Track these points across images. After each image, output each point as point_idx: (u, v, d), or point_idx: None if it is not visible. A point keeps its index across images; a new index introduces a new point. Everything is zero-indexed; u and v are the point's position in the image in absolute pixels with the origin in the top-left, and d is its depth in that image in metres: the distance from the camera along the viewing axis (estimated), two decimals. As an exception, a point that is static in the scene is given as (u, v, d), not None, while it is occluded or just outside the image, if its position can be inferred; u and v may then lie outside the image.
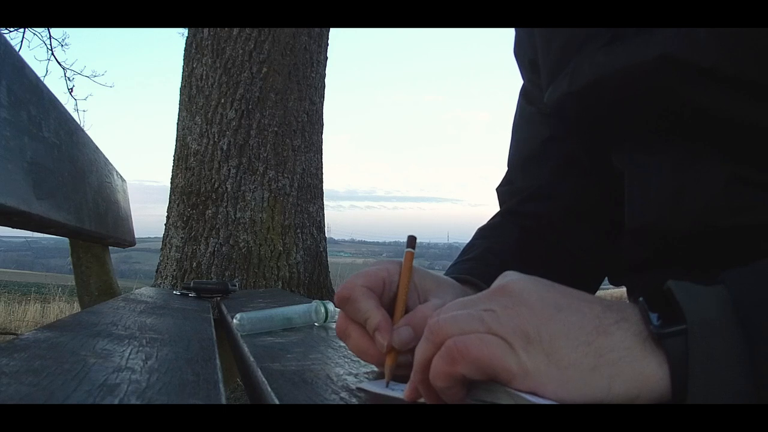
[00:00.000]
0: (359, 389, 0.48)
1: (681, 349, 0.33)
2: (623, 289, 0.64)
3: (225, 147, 2.47)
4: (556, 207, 0.70)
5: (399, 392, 0.44)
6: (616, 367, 0.34)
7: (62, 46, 7.18)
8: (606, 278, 0.72)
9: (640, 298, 0.36)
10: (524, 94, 0.75)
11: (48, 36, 6.43)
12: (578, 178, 0.69)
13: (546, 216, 0.70)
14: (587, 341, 0.35)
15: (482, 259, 0.64)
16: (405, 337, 0.46)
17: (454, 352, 0.36)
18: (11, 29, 5.78)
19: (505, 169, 0.78)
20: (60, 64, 6.77)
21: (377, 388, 0.47)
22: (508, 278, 0.39)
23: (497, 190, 0.78)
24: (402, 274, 0.51)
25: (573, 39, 0.58)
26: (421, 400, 0.41)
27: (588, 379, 0.34)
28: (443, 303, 0.49)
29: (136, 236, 2.11)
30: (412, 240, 0.54)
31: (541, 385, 0.34)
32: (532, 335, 0.35)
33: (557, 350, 0.35)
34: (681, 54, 0.47)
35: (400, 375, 0.49)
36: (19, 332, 3.27)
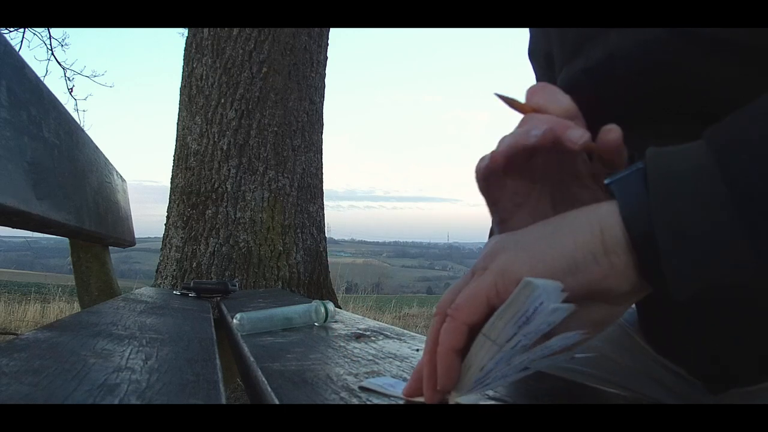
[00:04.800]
0: (361, 388, 0.48)
1: (632, 181, 0.36)
2: None
3: (225, 147, 2.47)
4: None
5: (400, 391, 0.44)
6: (574, 222, 0.37)
7: (62, 46, 7.19)
8: None
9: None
10: None
11: (48, 36, 6.44)
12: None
13: None
14: (546, 222, 0.39)
15: None
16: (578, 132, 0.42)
17: (451, 311, 0.38)
18: (11, 29, 5.78)
19: None
20: (60, 64, 6.77)
21: (379, 386, 0.47)
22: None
23: None
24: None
25: (586, 30, 0.58)
26: (420, 399, 0.41)
27: (552, 242, 0.37)
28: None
29: (136, 236, 2.11)
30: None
31: (517, 273, 0.36)
32: (498, 249, 0.39)
33: (520, 241, 0.38)
34: (689, 27, 0.48)
35: (402, 377, 0.49)
36: (19, 332, 3.27)
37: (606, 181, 0.38)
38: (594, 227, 0.36)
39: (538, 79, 0.75)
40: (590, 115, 0.65)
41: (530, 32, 0.75)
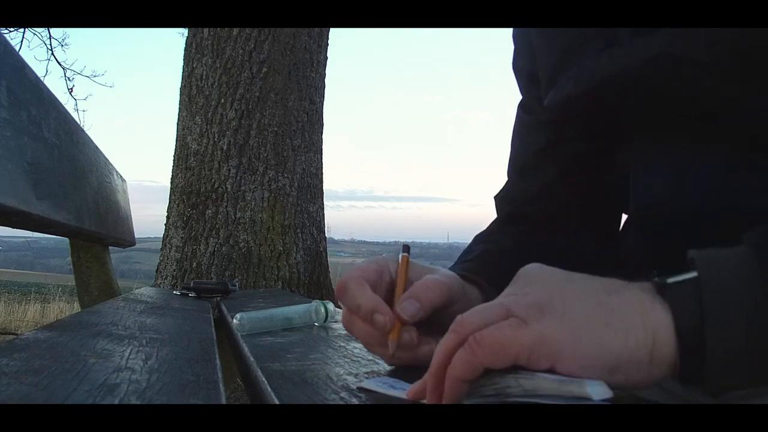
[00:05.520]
0: (360, 388, 0.48)
1: (687, 295, 0.34)
2: None
3: (225, 147, 2.47)
4: (554, 212, 0.70)
5: (400, 391, 0.44)
6: (628, 320, 0.35)
7: (62, 46, 7.19)
8: None
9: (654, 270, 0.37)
10: (521, 106, 0.75)
11: (48, 36, 6.43)
12: (577, 183, 0.69)
13: (543, 220, 0.70)
14: (599, 301, 0.36)
15: (481, 259, 0.65)
16: (410, 307, 0.48)
17: (474, 344, 0.37)
18: (11, 29, 5.78)
19: (505, 171, 0.78)
20: (60, 64, 6.77)
21: (379, 387, 0.47)
22: (525, 266, 0.42)
23: (495, 198, 0.78)
24: (399, 275, 0.53)
25: (571, 43, 0.58)
26: (422, 400, 0.41)
27: (603, 336, 0.35)
28: (441, 274, 0.53)
29: (136, 236, 2.11)
30: (406, 248, 0.56)
31: (558, 352, 0.35)
32: (545, 305, 0.36)
33: (570, 312, 0.36)
34: (680, 51, 0.48)
35: (402, 374, 0.49)
36: (19, 332, 3.27)
37: (658, 280, 0.36)
38: (648, 335, 0.34)
39: (522, 92, 0.75)
40: (581, 134, 0.65)
41: (514, 47, 0.75)
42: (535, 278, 0.39)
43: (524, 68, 0.73)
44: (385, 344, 0.50)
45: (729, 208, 0.49)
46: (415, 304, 0.48)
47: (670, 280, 0.35)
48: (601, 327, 0.35)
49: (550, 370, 0.35)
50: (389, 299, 0.51)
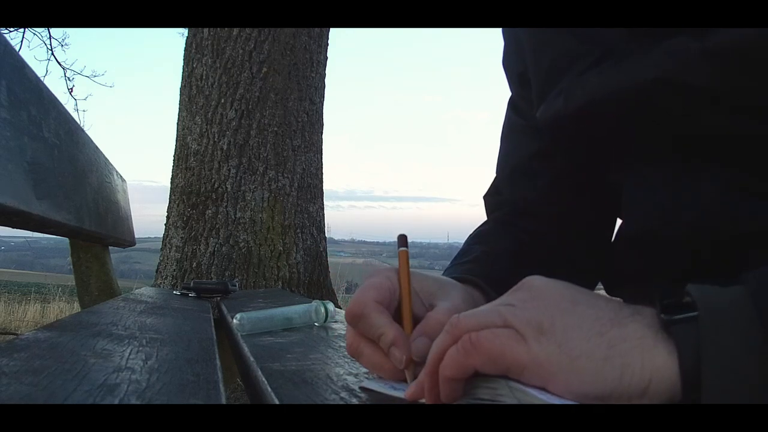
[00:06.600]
0: (362, 388, 0.48)
1: (691, 336, 0.33)
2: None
3: (225, 147, 2.47)
4: (547, 223, 0.70)
5: (401, 392, 0.44)
6: (628, 356, 0.34)
7: (62, 46, 7.19)
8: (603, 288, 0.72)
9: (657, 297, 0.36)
10: (512, 105, 0.74)
11: (48, 36, 6.43)
12: (568, 193, 0.69)
13: (537, 232, 0.70)
14: (600, 332, 0.35)
15: (480, 261, 0.64)
16: (423, 348, 0.46)
17: (468, 345, 0.36)
18: (11, 29, 5.77)
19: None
20: (60, 64, 6.76)
21: (379, 387, 0.47)
22: (530, 277, 0.40)
23: (484, 198, 0.78)
24: (401, 278, 0.50)
25: (562, 55, 0.57)
26: (422, 400, 0.41)
27: (599, 369, 0.34)
28: (452, 304, 0.49)
29: (136, 236, 2.11)
30: (403, 239, 0.53)
31: (552, 375, 0.35)
32: (545, 326, 0.36)
33: (569, 340, 0.35)
34: (675, 76, 0.47)
35: (401, 377, 0.49)
36: (19, 332, 3.27)
37: (664, 317, 0.34)
38: (644, 374, 0.34)
39: (512, 92, 0.74)
40: (573, 149, 0.64)
41: (504, 47, 0.74)
42: (538, 293, 0.38)
43: (514, 69, 0.72)
44: (395, 374, 0.48)
45: (723, 231, 0.49)
46: (426, 342, 0.46)
47: (675, 317, 0.34)
48: (599, 360, 0.34)
49: (541, 387, 0.35)
50: (398, 317, 0.49)
